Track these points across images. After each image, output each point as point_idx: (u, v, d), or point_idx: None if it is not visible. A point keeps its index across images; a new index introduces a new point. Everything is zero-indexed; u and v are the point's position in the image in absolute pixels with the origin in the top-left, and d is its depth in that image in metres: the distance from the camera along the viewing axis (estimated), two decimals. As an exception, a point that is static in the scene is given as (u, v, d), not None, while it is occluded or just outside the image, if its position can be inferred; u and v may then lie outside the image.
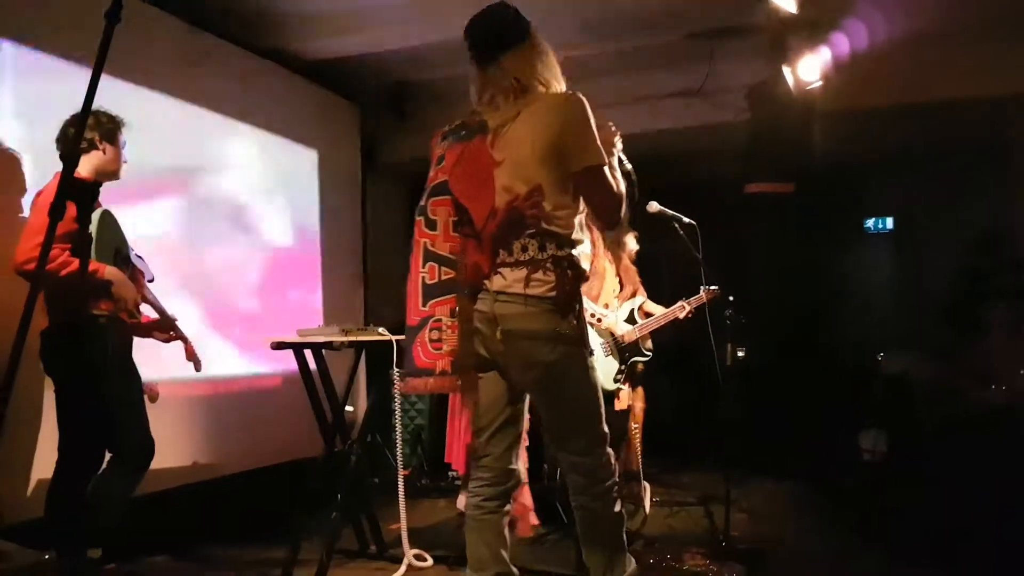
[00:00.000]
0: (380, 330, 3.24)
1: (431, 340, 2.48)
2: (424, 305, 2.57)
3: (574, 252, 2.15)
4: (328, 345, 3.14)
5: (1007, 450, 3.79)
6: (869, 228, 6.83)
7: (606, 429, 2.22)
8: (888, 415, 5.12)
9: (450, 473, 4.89)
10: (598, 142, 2.11)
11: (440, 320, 2.50)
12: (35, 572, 2.64)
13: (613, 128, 2.31)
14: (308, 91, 4.96)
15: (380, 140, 5.88)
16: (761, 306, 3.98)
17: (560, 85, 2.25)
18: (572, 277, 2.13)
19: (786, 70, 4.27)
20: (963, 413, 4.30)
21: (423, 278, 2.58)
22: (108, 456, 2.82)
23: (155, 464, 2.93)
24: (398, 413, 3.35)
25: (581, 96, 2.13)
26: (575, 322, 2.14)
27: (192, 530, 3.63)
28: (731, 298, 3.54)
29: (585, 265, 2.20)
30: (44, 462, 2.86)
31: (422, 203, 2.52)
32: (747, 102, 4.63)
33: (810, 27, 4.20)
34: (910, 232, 6.47)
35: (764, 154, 4.77)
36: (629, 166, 2.50)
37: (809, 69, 4.26)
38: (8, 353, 1.47)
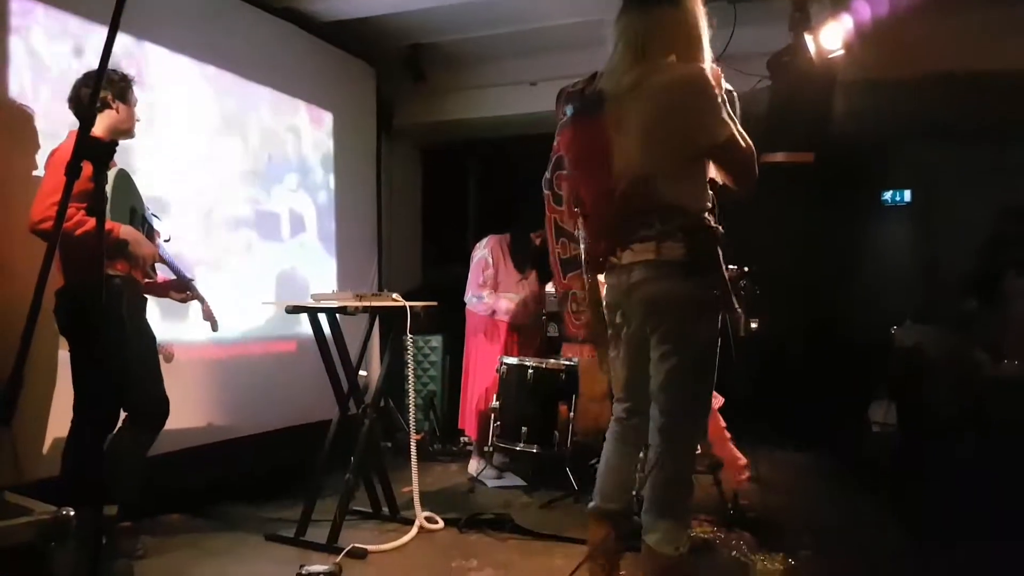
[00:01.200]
0: (394, 296, 3.24)
1: (572, 312, 2.80)
2: (564, 278, 2.89)
3: (705, 217, 2.14)
4: (342, 310, 3.14)
5: (1019, 424, 3.78)
6: (887, 201, 6.75)
7: (706, 406, 2.20)
8: (899, 388, 5.11)
9: (462, 438, 4.94)
10: (722, 114, 2.07)
11: (576, 294, 2.80)
12: (53, 527, 2.69)
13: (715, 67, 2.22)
14: (324, 52, 4.91)
15: (396, 103, 5.84)
16: (776, 277, 3.95)
17: (699, 62, 2.16)
18: (704, 241, 2.11)
19: (808, 38, 4.19)
20: (976, 386, 4.28)
21: (558, 253, 2.88)
22: (124, 415, 2.85)
23: (171, 424, 2.96)
24: (411, 378, 3.37)
25: (701, 70, 2.08)
26: (711, 287, 2.11)
27: (207, 490, 3.68)
28: (746, 268, 3.51)
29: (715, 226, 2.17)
30: (60, 421, 2.89)
31: (547, 175, 2.58)
32: (768, 70, 4.55)
33: (834, -6, 4.11)
34: (928, 205, 6.40)
35: (784, 123, 4.70)
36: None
37: (831, 37, 4.18)
38: (25, 312, 1.47)
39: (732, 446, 3.52)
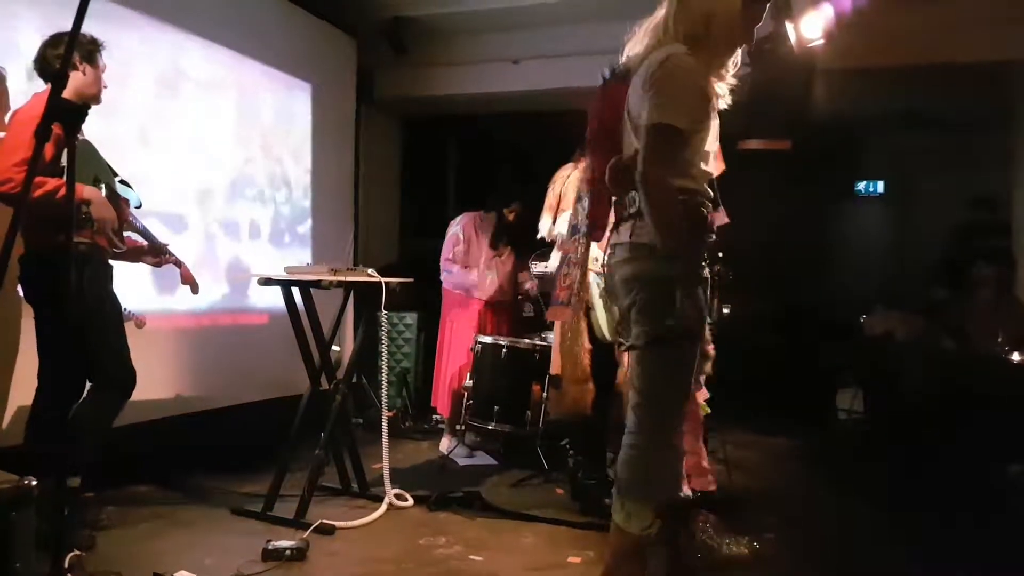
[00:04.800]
0: (369, 271, 3.21)
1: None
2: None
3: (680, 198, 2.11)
4: (316, 284, 3.10)
5: (983, 410, 3.86)
6: (860, 192, 6.84)
7: (677, 388, 2.15)
8: (867, 376, 5.20)
9: (434, 416, 4.93)
10: (666, 103, 2.05)
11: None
12: (15, 497, 2.64)
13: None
14: (304, 21, 4.82)
15: (377, 75, 5.76)
16: (749, 263, 3.98)
17: (727, 54, 2.19)
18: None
19: (788, 26, 4.19)
20: (942, 373, 4.37)
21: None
22: (89, 385, 2.80)
23: (138, 395, 2.91)
24: (384, 355, 3.35)
25: (676, 56, 2.08)
26: (678, 267, 2.08)
27: (175, 462, 3.64)
28: (719, 254, 3.52)
29: (703, 211, 2.16)
30: (25, 390, 2.83)
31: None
32: (748, 57, 4.54)
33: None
34: (901, 195, 6.49)
35: (762, 110, 4.72)
36: None
37: (811, 26, 4.19)
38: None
39: (704, 454, 3.42)
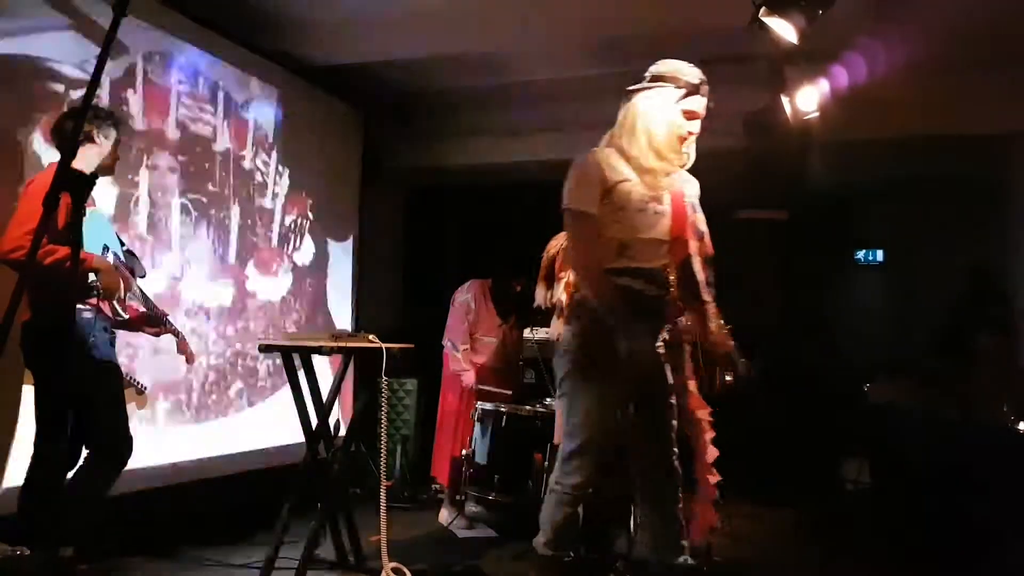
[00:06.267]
0: (371, 337, 3.22)
1: None
2: None
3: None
4: (317, 350, 3.11)
5: (990, 481, 3.80)
6: (859, 259, 6.88)
7: (572, 446, 2.53)
8: (873, 445, 5.13)
9: (434, 486, 4.85)
10: (572, 188, 2.53)
11: None
12: (7, 567, 2.59)
13: None
14: (312, 95, 4.96)
15: (382, 146, 5.90)
16: (750, 331, 3.99)
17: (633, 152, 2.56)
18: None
19: (784, 99, 4.30)
20: (948, 443, 4.31)
21: None
22: (85, 452, 2.78)
23: (133, 463, 2.89)
24: (384, 422, 3.32)
25: (582, 158, 2.56)
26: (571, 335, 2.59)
27: (170, 532, 3.57)
28: (720, 322, 3.53)
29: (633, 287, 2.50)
30: (21, 457, 2.81)
31: None
32: (744, 129, 4.66)
33: (809, 58, 4.24)
34: (901, 264, 6.52)
35: (759, 181, 4.81)
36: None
37: (807, 99, 4.30)
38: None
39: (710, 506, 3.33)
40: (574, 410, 2.54)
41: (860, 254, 6.84)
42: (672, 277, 2.55)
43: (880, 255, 6.79)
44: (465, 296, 4.57)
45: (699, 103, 2.55)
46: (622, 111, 2.59)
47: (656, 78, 2.56)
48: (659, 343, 2.48)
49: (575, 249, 2.58)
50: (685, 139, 2.55)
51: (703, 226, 2.65)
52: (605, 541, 3.38)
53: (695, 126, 2.56)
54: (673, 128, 2.52)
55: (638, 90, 2.57)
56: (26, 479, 2.73)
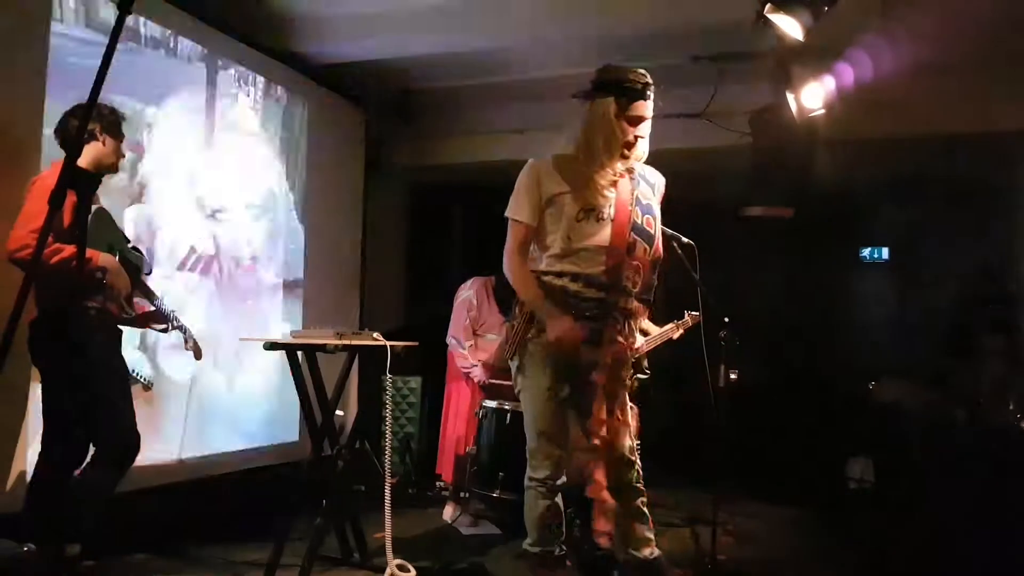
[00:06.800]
0: (375, 335, 3.22)
1: None
2: None
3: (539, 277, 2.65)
4: (321, 348, 3.11)
5: (995, 481, 3.79)
6: (865, 257, 6.85)
7: (531, 441, 2.65)
8: (877, 444, 5.12)
9: (438, 483, 4.86)
10: (514, 199, 2.66)
11: None
12: (13, 564, 2.61)
13: None
14: (315, 93, 4.96)
15: (384, 144, 5.90)
16: (755, 329, 3.98)
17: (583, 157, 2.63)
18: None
19: (790, 96, 4.29)
20: (952, 443, 4.30)
21: None
22: (92, 451, 2.79)
23: (140, 461, 2.90)
24: (388, 420, 3.33)
25: (527, 164, 2.68)
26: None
27: (175, 529, 3.58)
28: (726, 319, 3.53)
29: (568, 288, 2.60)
30: (28, 454, 2.82)
31: None
32: (749, 126, 4.65)
33: (815, 55, 4.23)
34: (906, 262, 6.49)
35: (764, 178, 4.79)
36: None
37: (813, 96, 4.28)
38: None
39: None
40: (526, 405, 2.67)
41: (865, 252, 6.81)
42: (626, 282, 2.61)
43: (885, 253, 6.76)
44: (467, 293, 4.57)
45: (645, 108, 2.57)
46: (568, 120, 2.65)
47: (598, 86, 2.57)
48: (606, 340, 2.56)
49: (506, 255, 2.67)
50: (632, 144, 2.58)
51: (655, 229, 2.70)
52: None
53: (643, 129, 2.60)
54: (615, 137, 2.55)
55: (581, 98, 2.60)
56: (33, 477, 2.75)
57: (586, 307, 2.58)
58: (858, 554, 3.89)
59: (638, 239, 2.62)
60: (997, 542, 3.55)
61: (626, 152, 2.59)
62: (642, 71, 2.60)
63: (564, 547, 2.69)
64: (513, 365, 2.72)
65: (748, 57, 4.48)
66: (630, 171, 2.66)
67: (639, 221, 2.63)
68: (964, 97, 4.56)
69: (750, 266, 6.12)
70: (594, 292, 2.58)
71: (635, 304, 2.68)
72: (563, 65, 4.78)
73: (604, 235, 2.59)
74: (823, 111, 4.29)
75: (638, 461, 2.76)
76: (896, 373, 5.16)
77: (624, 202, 2.61)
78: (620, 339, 2.63)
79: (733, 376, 3.58)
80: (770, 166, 4.69)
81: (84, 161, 2.79)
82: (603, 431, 2.59)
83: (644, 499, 2.75)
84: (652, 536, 2.74)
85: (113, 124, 2.86)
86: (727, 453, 3.48)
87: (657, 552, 2.74)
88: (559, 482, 2.65)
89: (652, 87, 2.59)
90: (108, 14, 3.37)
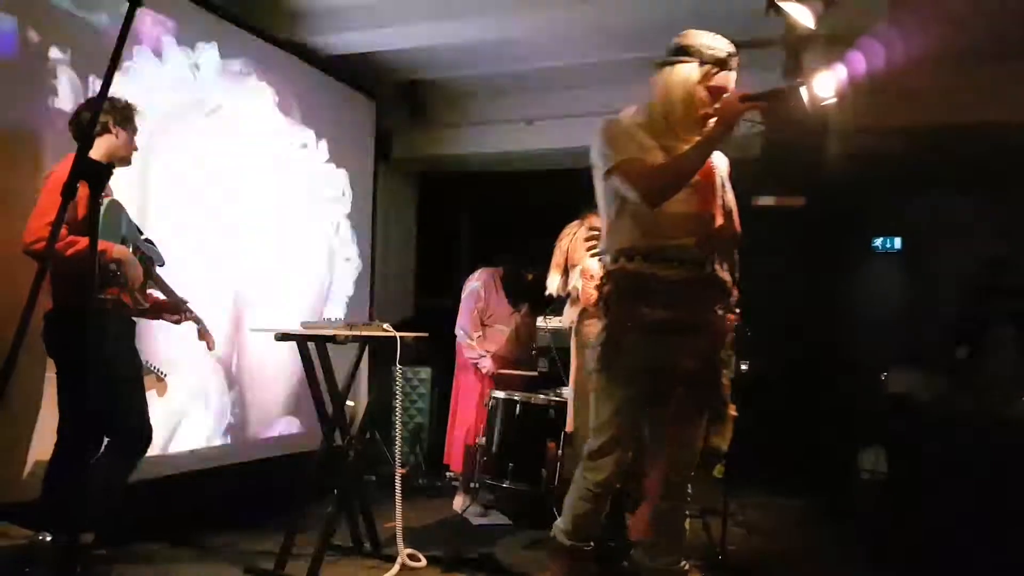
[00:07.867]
0: (385, 326, 3.23)
1: None
2: None
3: (614, 261, 2.41)
4: (332, 339, 3.13)
5: (1008, 471, 3.77)
6: (877, 247, 6.80)
7: (597, 443, 2.42)
8: (889, 434, 5.10)
9: (448, 473, 4.88)
10: (606, 153, 2.32)
11: None
12: (29, 553, 2.64)
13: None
14: (325, 84, 4.96)
15: (394, 135, 5.90)
16: (766, 319, 3.97)
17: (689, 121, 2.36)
18: (605, 286, 2.44)
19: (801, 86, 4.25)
20: (964, 433, 4.28)
21: None
22: (106, 441, 2.82)
23: (153, 451, 2.92)
24: (398, 411, 3.34)
25: (605, 122, 2.38)
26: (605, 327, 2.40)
27: (188, 518, 3.62)
28: (737, 310, 3.51)
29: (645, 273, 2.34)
30: (43, 444, 2.85)
31: None
32: (760, 115, 4.61)
33: (827, 44, 4.19)
34: (919, 252, 6.45)
35: (776, 168, 4.76)
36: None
37: (824, 85, 4.23)
38: (12, 334, 1.46)
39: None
40: (602, 407, 2.41)
41: (878, 242, 6.77)
42: (710, 256, 2.38)
43: (898, 243, 6.72)
44: (475, 284, 4.58)
45: (727, 79, 2.34)
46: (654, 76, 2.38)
47: (679, 51, 2.34)
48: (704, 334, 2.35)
49: (640, 180, 2.26)
50: (710, 115, 2.33)
51: (731, 204, 2.47)
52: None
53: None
54: (694, 106, 2.31)
55: (663, 64, 2.36)
56: (48, 466, 2.77)
57: (674, 291, 2.31)
58: (870, 545, 3.89)
59: (729, 211, 2.44)
60: (1009, 532, 3.53)
61: (705, 124, 2.34)
62: (727, 40, 2.37)
63: (592, 544, 2.56)
64: (593, 350, 2.43)
65: (759, 46, 4.44)
66: None
67: (723, 194, 2.44)
68: (977, 86, 4.51)
69: (760, 256, 6.08)
70: (685, 272, 2.33)
71: (729, 280, 2.46)
72: (572, 55, 4.77)
73: (692, 201, 2.34)
74: (835, 100, 4.25)
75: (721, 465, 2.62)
76: (908, 363, 5.13)
77: (707, 169, 2.37)
78: (715, 322, 2.40)
79: (744, 367, 3.57)
80: (782, 155, 4.67)
81: (97, 153, 2.80)
82: (679, 441, 2.43)
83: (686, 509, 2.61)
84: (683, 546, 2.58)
85: (126, 117, 2.87)
86: (738, 444, 3.47)
87: (686, 565, 2.56)
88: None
89: (737, 58, 2.36)
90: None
